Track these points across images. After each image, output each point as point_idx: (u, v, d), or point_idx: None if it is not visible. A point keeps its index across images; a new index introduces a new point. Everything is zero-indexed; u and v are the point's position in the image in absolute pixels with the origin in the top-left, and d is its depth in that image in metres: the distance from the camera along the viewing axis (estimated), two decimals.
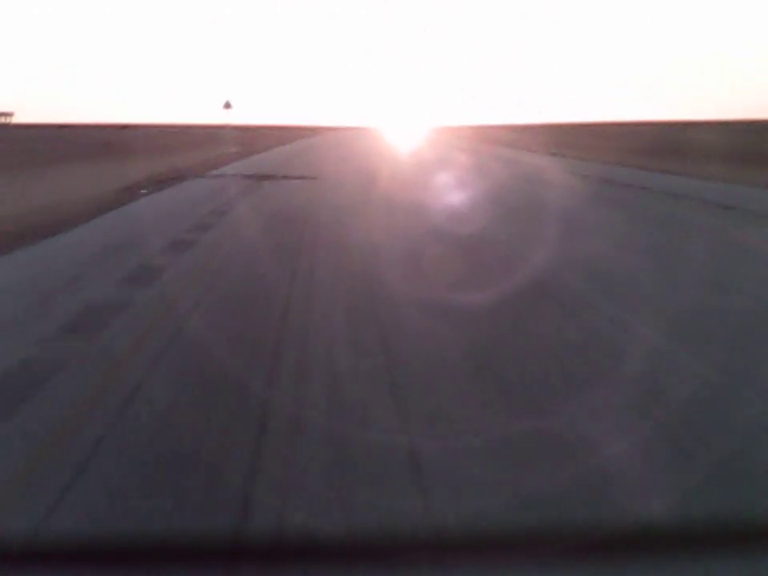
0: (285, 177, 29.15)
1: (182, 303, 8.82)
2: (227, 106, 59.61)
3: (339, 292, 9.38)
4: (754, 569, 3.57)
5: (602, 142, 65.54)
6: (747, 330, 7.67)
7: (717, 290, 9.42)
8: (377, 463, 4.70)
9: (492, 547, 3.75)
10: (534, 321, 7.90)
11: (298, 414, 5.45)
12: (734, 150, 42.59)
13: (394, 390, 5.90)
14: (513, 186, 25.30)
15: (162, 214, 17.86)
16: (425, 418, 5.37)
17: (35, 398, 5.78)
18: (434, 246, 12.89)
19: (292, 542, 3.79)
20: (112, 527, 3.90)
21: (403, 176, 31.17)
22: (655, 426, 5.20)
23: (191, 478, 4.50)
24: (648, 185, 24.67)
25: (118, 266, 11.09)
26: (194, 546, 3.71)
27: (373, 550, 3.76)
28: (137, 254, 12.12)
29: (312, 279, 10.17)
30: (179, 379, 6.16)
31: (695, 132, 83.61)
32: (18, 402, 5.71)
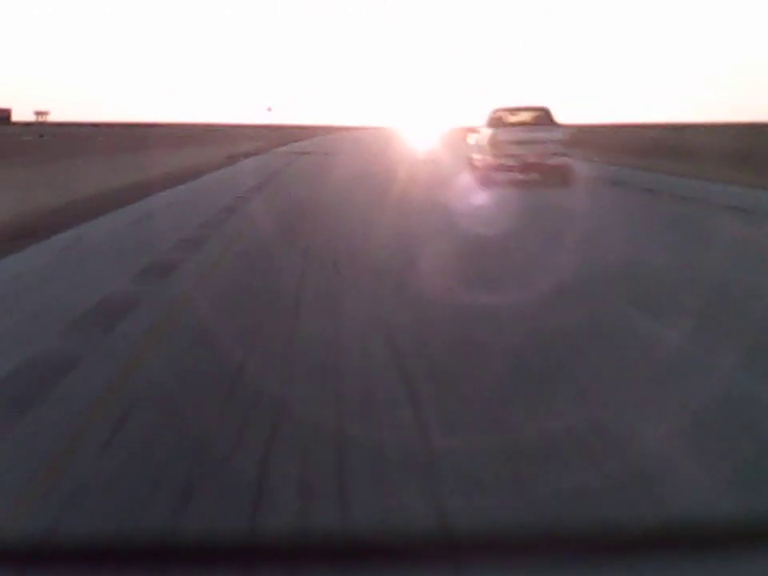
0: (315, 153, 48.95)
1: (294, 171, 28.25)
2: (269, 109, 79.17)
3: (343, 171, 28.70)
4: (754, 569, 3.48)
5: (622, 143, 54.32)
6: None
7: None
8: None
9: (496, 543, 3.65)
10: None
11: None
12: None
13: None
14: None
15: (264, 164, 37.26)
16: None
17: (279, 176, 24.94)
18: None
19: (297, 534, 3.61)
20: (122, 513, 3.75)
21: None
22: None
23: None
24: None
25: (262, 172, 30.24)
26: (195, 545, 3.61)
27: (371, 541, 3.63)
28: (268, 170, 31.49)
29: (336, 172, 29.50)
30: (295, 172, 25.36)
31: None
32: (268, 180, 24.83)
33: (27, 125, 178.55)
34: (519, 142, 22.23)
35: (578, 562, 3.48)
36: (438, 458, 4.29)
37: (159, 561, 3.53)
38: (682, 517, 3.79)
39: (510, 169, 22.39)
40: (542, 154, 22.01)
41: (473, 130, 25.70)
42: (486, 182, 22.42)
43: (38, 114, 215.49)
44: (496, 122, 23.75)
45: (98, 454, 4.42)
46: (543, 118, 23.49)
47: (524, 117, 24.00)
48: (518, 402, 5.18)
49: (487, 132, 23.36)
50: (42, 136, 74.79)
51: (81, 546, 3.63)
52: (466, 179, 23.90)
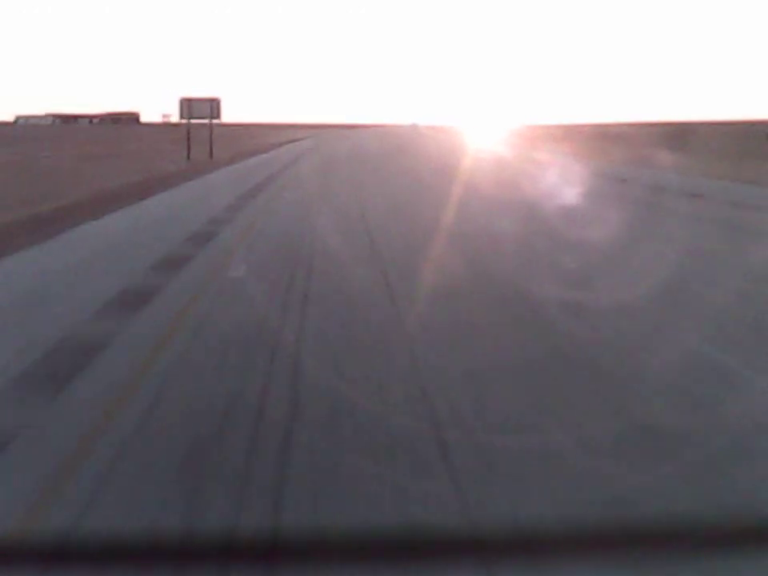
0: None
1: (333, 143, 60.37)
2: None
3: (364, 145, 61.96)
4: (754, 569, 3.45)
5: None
6: None
7: None
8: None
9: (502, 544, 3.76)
10: None
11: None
12: None
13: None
14: None
15: (321, 140, 78.51)
16: None
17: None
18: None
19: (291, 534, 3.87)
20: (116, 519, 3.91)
21: None
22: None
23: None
24: None
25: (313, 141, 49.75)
26: (191, 544, 3.66)
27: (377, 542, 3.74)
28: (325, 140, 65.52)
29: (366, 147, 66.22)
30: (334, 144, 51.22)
31: None
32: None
33: (155, 125, 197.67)
34: None
35: (577, 562, 3.42)
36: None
37: (159, 560, 3.51)
38: (681, 517, 3.81)
39: None
40: None
41: None
42: None
43: (164, 116, 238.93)
44: None
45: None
46: None
47: None
48: None
49: None
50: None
51: (81, 546, 3.60)
52: None
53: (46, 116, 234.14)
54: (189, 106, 42.56)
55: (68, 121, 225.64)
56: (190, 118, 42.81)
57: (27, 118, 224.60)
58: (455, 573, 3.56)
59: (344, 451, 5.19)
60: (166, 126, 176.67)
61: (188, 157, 42.03)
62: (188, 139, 43.68)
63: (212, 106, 42.10)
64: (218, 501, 4.43)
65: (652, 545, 3.69)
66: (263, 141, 75.65)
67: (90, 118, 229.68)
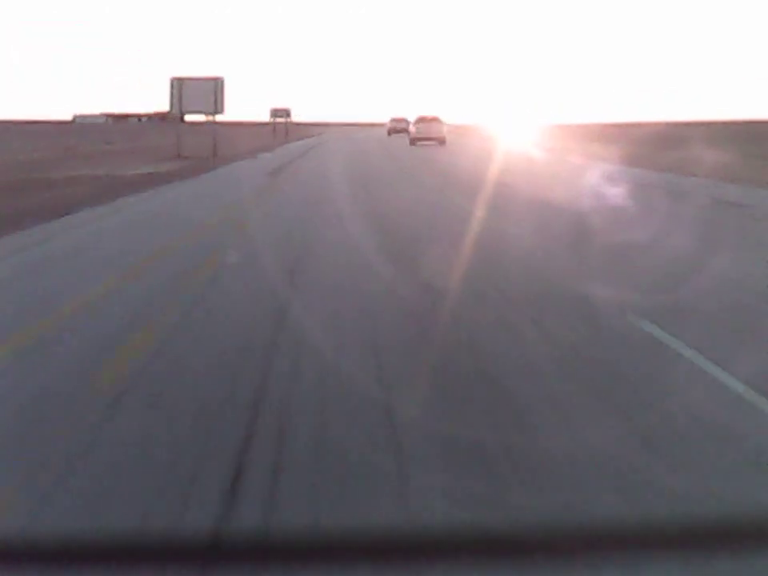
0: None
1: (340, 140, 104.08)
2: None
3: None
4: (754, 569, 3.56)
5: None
6: None
7: None
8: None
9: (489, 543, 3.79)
10: None
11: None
12: None
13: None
14: None
15: (346, 133, 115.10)
16: None
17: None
18: None
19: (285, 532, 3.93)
20: (114, 519, 4.03)
21: None
22: None
23: None
24: None
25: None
26: (186, 544, 3.78)
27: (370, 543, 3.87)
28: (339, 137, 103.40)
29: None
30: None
31: None
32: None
33: (198, 123, 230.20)
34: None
35: (576, 562, 3.55)
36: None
37: (159, 560, 3.70)
38: (681, 516, 3.93)
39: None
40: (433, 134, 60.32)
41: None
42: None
43: (206, 114, 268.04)
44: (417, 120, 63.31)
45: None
46: (437, 119, 62.04)
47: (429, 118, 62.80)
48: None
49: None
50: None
51: (82, 545, 3.77)
52: None
53: (100, 115, 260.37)
54: (275, 111, 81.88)
55: (119, 120, 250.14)
56: (275, 118, 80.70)
57: (84, 117, 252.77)
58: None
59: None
60: (211, 124, 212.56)
61: (274, 137, 77.64)
62: (274, 129, 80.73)
63: (286, 111, 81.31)
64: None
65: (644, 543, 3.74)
66: (307, 133, 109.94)
67: (139, 117, 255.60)
